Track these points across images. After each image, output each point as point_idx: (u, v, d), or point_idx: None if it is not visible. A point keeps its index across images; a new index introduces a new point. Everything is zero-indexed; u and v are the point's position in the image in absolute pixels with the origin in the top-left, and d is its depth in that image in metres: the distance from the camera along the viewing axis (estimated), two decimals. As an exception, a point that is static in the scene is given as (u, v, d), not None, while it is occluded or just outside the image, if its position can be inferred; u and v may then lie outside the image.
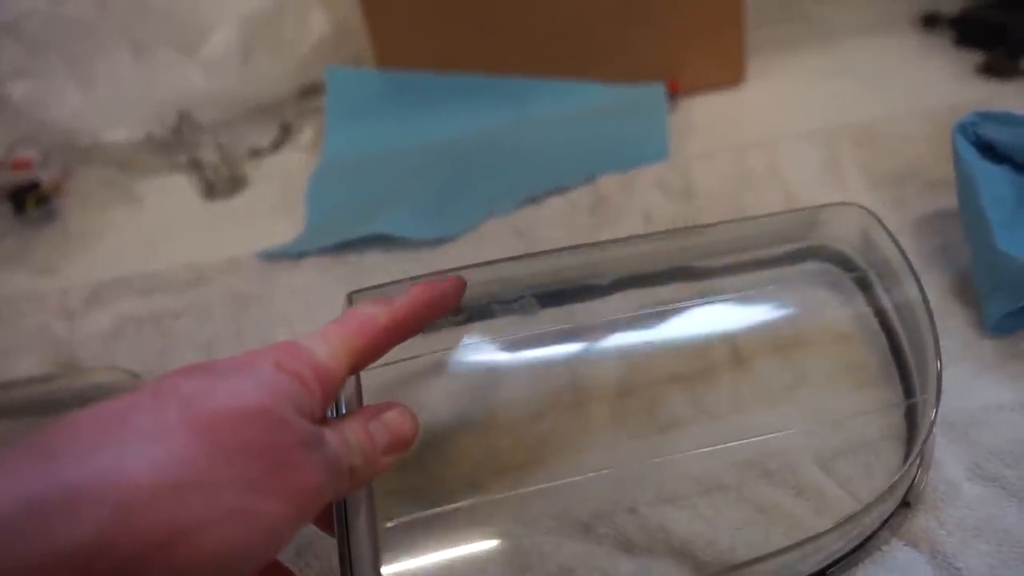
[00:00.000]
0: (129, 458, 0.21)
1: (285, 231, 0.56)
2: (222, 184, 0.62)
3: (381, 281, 0.43)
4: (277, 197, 0.61)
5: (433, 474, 0.36)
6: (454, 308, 0.34)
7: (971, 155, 0.41)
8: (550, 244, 0.50)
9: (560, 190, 0.54)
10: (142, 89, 0.63)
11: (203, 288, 0.52)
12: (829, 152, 0.53)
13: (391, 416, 0.29)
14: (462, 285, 0.34)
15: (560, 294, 0.41)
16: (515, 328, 0.40)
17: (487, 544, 0.33)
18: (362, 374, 0.35)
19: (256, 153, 0.65)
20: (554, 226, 0.52)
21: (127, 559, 0.20)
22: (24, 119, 0.63)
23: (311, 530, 0.34)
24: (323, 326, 0.29)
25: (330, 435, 0.26)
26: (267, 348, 0.27)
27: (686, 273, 0.42)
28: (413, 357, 0.37)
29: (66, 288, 0.53)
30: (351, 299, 0.36)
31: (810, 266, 0.42)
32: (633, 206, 0.51)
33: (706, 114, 0.60)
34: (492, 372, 0.40)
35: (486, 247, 0.52)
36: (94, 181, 0.65)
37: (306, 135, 0.66)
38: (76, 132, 0.64)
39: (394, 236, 0.52)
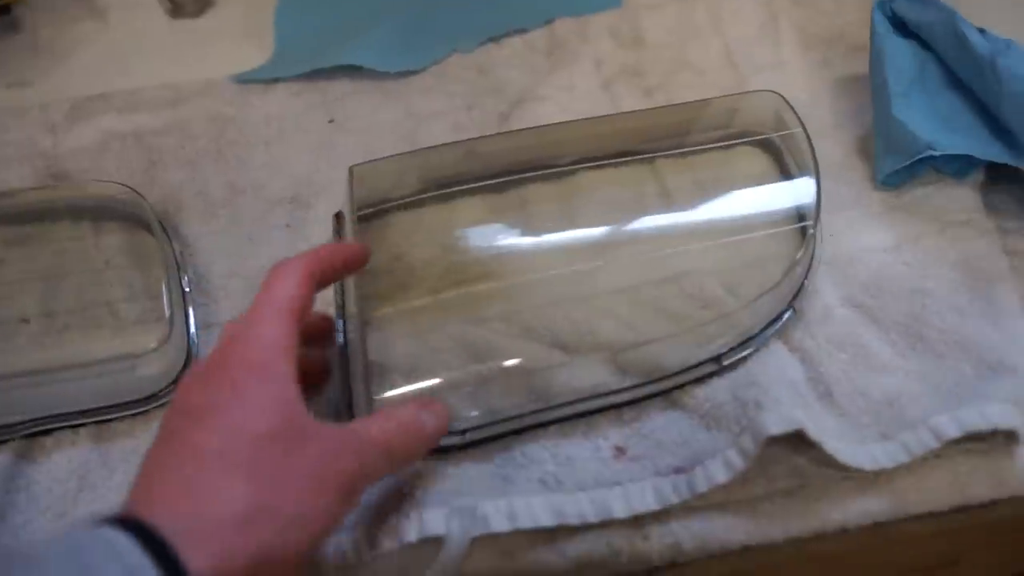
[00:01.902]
0: None
1: (253, 53, 0.61)
2: (188, 3, 0.66)
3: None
4: (243, 18, 0.65)
5: (404, 281, 0.44)
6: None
7: (884, 28, 0.49)
8: (509, 83, 0.57)
9: (519, 31, 0.60)
10: None
11: (182, 108, 0.57)
12: (769, 11, 0.59)
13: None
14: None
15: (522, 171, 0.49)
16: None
17: (447, 339, 0.42)
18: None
19: (220, -29, 0.68)
20: (512, 66, 0.58)
21: None
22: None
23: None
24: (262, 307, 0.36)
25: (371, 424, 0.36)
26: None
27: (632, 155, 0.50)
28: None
29: (46, 103, 0.58)
30: (351, 172, 0.47)
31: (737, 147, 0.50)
32: (586, 52, 0.58)
33: (661, -37, 0.65)
34: (451, 206, 0.48)
35: (448, 81, 0.58)
36: (55, -9, 0.68)
37: (270, -44, 0.69)
38: (34, -62, 0.66)
39: (362, 66, 0.58)
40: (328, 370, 0.42)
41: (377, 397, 0.40)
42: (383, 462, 0.35)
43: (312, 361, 0.41)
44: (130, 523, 0.28)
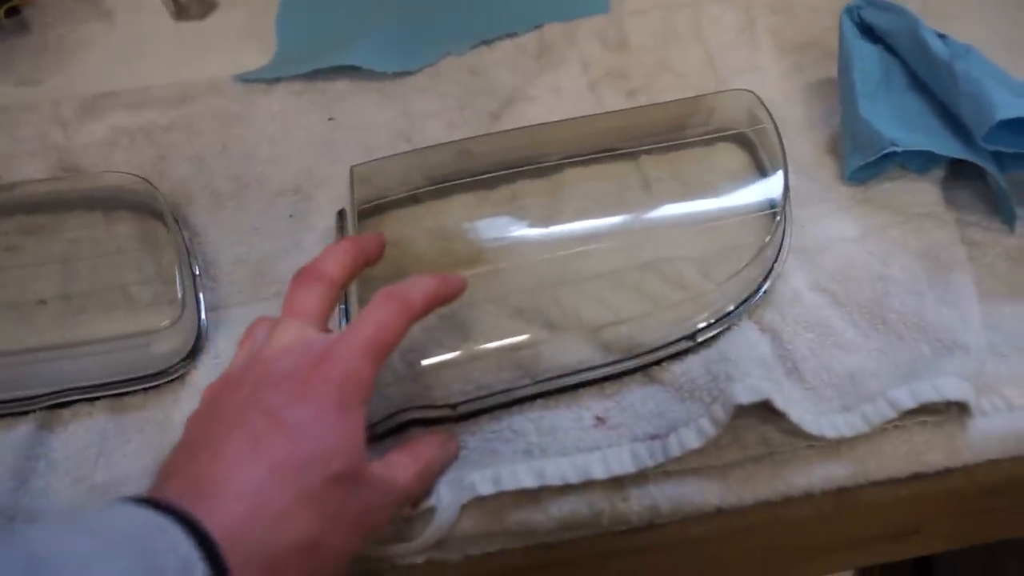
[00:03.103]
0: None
1: (255, 54, 0.65)
2: (193, 6, 0.70)
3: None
4: (244, 21, 0.69)
5: (401, 266, 0.48)
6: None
7: (852, 34, 0.53)
8: (500, 84, 0.61)
9: (510, 35, 0.64)
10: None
11: (188, 106, 0.61)
12: (747, 17, 0.63)
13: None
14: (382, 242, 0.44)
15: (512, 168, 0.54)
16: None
17: (441, 319, 0.46)
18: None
19: (222, -24, 0.72)
20: (503, 68, 0.62)
21: None
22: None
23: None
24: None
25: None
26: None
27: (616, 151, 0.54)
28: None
29: (57, 100, 0.62)
30: (353, 171, 0.51)
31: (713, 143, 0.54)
32: (573, 55, 0.62)
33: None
34: (446, 201, 0.52)
35: (442, 82, 0.62)
36: (63, -7, 0.71)
37: (271, -39, 0.73)
38: (43, -58, 0.70)
39: (360, 67, 0.61)
40: None
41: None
42: (405, 506, 0.40)
43: None
44: (184, 516, 0.30)
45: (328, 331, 0.39)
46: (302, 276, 0.40)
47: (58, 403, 0.46)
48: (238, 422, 0.34)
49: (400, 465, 0.39)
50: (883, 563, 0.50)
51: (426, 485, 0.41)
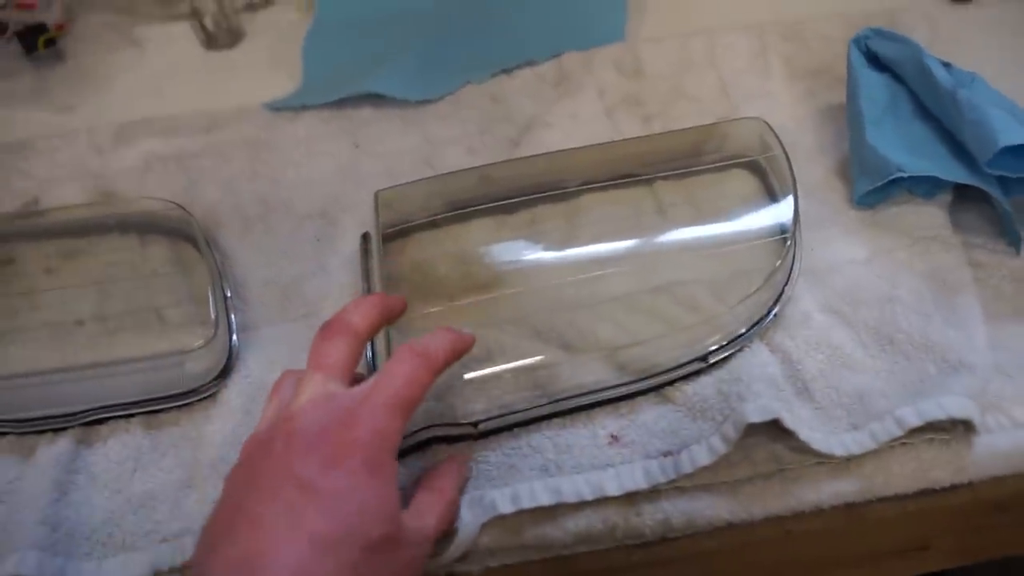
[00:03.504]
0: None
1: (283, 82, 0.68)
2: (222, 36, 0.72)
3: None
4: (272, 50, 0.72)
5: (424, 290, 0.50)
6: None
7: (859, 63, 0.55)
8: (519, 111, 0.63)
9: (529, 63, 0.66)
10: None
11: (217, 132, 0.63)
12: (760, 44, 0.65)
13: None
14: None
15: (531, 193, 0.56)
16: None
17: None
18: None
19: (251, 6, 0.75)
20: (523, 95, 0.64)
21: None
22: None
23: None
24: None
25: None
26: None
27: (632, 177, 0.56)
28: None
29: (92, 127, 0.64)
30: (377, 196, 0.54)
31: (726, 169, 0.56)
32: (590, 82, 0.64)
33: (659, 1, 0.71)
34: (467, 225, 0.55)
35: (463, 109, 0.64)
36: (97, 25, 0.74)
37: (297, -8, 0.76)
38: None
39: (384, 95, 0.64)
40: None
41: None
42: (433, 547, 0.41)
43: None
44: None
45: (354, 383, 0.40)
46: (329, 329, 0.41)
47: (96, 419, 0.48)
48: (274, 493, 0.35)
49: (426, 507, 0.40)
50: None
51: (451, 518, 0.42)
